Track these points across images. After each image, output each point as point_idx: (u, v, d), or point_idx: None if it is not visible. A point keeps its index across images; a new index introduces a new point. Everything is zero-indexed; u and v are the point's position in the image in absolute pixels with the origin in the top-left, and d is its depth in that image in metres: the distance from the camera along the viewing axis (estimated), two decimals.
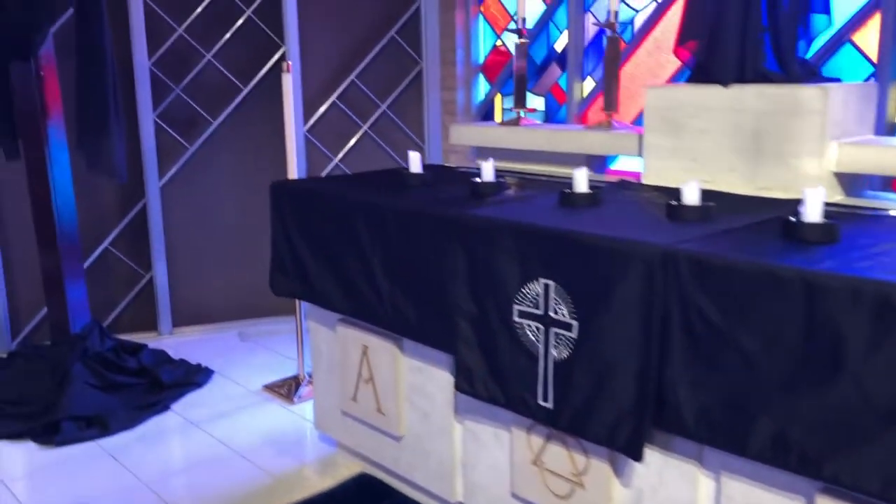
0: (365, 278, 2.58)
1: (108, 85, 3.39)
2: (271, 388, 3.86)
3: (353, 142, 4.85)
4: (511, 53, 4.65)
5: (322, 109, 4.74)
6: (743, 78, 2.48)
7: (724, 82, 2.49)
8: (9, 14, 3.25)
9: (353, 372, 2.85)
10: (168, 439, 3.43)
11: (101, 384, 3.67)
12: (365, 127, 4.85)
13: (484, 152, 3.39)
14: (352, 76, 4.76)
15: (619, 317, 1.87)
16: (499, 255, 2.14)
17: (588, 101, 4.24)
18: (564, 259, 2.00)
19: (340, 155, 4.83)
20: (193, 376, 3.92)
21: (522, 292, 2.09)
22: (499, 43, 4.71)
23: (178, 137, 4.53)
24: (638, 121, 3.71)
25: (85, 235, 4.16)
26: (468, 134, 3.46)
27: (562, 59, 4.34)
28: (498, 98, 4.76)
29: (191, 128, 4.55)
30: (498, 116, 4.76)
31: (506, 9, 4.64)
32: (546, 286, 2.04)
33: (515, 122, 3.30)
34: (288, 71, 3.51)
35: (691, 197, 2.11)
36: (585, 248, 1.94)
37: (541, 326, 2.06)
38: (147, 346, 4.09)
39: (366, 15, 4.74)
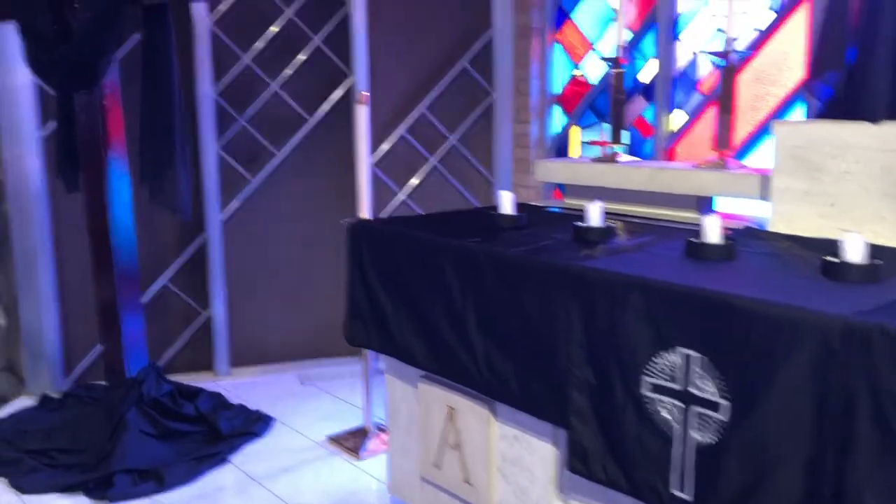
0: (455, 333, 2.31)
1: (175, 116, 3.20)
2: (336, 440, 3.59)
3: (420, 176, 4.61)
4: (590, 83, 4.39)
5: (390, 142, 4.51)
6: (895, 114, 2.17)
7: (874, 119, 2.18)
8: (75, 42, 3.08)
9: (437, 435, 2.56)
10: (226, 497, 3.18)
11: (156, 432, 3.45)
12: (433, 160, 4.61)
13: (574, 191, 3.11)
14: (421, 107, 4.53)
15: (785, 399, 1.56)
16: (625, 317, 1.84)
17: (677, 135, 3.95)
18: (711, 326, 1.70)
19: (407, 189, 4.59)
20: (253, 425, 3.68)
21: (655, 362, 1.79)
22: (577, 72, 4.45)
23: (241, 170, 4.33)
24: (739, 156, 3.40)
25: (142, 270, 3.97)
26: (556, 170, 3.18)
27: (648, 89, 4.05)
28: (575, 131, 4.48)
29: (254, 160, 4.36)
30: (575, 150, 4.49)
31: (585, 37, 4.38)
32: (686, 357, 1.74)
33: (611, 158, 3.02)
34: (363, 102, 3.28)
35: (855, 253, 1.80)
36: (740, 315, 1.63)
37: (678, 404, 1.76)
38: (204, 390, 3.86)
39: (437, 44, 4.52)
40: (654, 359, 1.80)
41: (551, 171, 3.21)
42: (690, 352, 1.73)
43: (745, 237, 2.28)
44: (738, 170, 2.67)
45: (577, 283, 1.95)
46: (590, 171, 3.03)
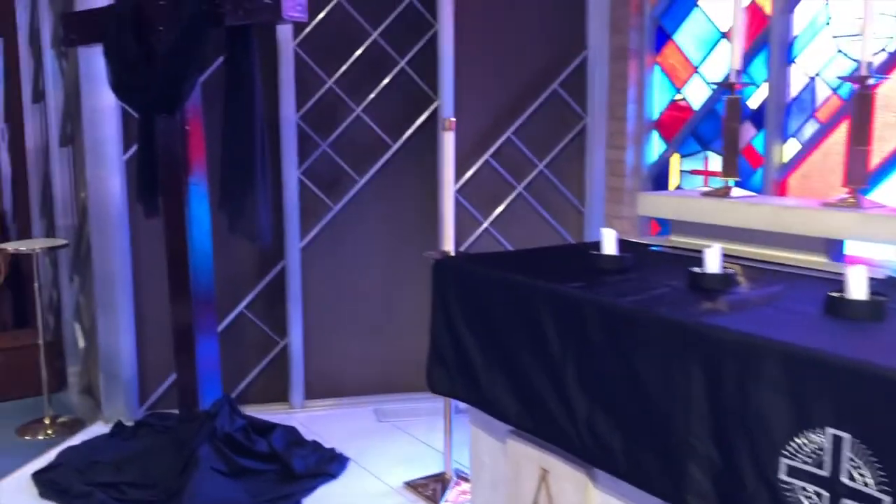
0: (552, 389, 2.07)
1: (257, 141, 3.07)
2: (414, 486, 3.38)
3: (505, 204, 4.39)
4: (692, 109, 4.10)
5: (474, 168, 4.31)
6: None
7: None
8: (159, 65, 2.99)
9: (527, 498, 2.32)
10: None
11: (228, 469, 3.31)
12: (520, 188, 4.38)
13: (681, 227, 2.83)
14: (508, 132, 4.32)
15: None
16: (760, 388, 1.57)
17: (789, 166, 3.62)
18: (867, 404, 1.41)
19: (491, 218, 4.37)
20: (327, 465, 3.50)
21: (796, 443, 1.52)
22: (678, 97, 4.16)
23: (322, 196, 4.20)
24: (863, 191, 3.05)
25: (219, 297, 3.86)
26: (662, 205, 2.91)
27: (757, 116, 3.74)
28: (675, 159, 4.19)
29: (335, 186, 4.22)
30: (674, 180, 4.19)
31: (688, 59, 4.09)
32: (836, 440, 1.46)
33: (724, 192, 2.73)
34: (450, 128, 3.09)
35: None
36: None
37: (824, 494, 1.47)
38: (278, 425, 3.71)
39: (526, 65, 4.31)
40: (795, 439, 1.52)
41: (656, 205, 2.94)
42: (842, 433, 1.45)
43: (890, 290, 1.97)
44: (875, 210, 2.35)
45: (701, 344, 1.69)
46: (700, 207, 2.74)
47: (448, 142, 3.09)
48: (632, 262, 2.31)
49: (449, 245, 3.17)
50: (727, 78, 2.75)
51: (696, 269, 2.09)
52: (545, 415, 2.09)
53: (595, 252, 2.37)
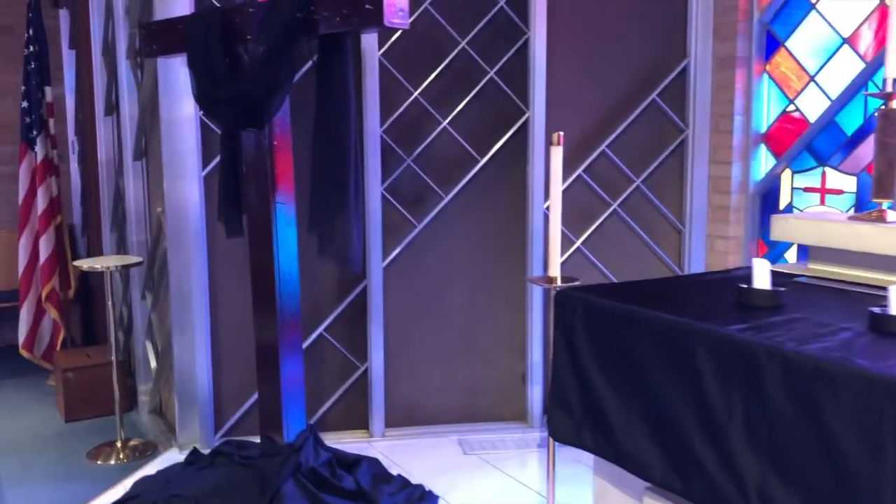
0: (712, 447, 1.79)
1: (351, 158, 2.86)
2: None
3: (598, 222, 4.11)
4: (807, 121, 3.77)
5: (566, 183, 4.05)
6: None
7: None
8: (247, 77, 2.80)
9: None
10: None
11: None
12: (615, 205, 4.10)
13: (822, 254, 2.53)
14: (603, 145, 4.05)
15: None
16: None
17: None
18: None
19: (584, 237, 4.10)
20: None
21: None
22: (791, 108, 3.84)
23: (406, 213, 3.98)
24: None
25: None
26: (800, 229, 2.60)
27: None
28: (787, 175, 3.87)
29: (419, 203, 4.00)
30: (786, 198, 3.87)
31: (803, 67, 3.77)
32: None
33: (878, 216, 2.42)
34: (557, 143, 2.84)
35: None
36: None
37: None
38: (364, 458, 3.48)
39: (623, 74, 4.03)
40: None
41: (793, 228, 2.63)
42: None
43: None
44: None
45: None
46: (849, 232, 2.44)
47: (556, 158, 2.84)
48: (790, 297, 2.03)
49: (554, 269, 2.90)
50: (883, 87, 2.44)
51: (878, 310, 1.80)
52: (701, 476, 1.82)
53: (745, 286, 2.09)
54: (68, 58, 6.13)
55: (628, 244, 4.15)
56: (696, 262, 4.14)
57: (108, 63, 5.03)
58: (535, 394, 4.09)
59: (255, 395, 3.91)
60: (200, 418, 3.90)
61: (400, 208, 3.97)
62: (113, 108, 5.16)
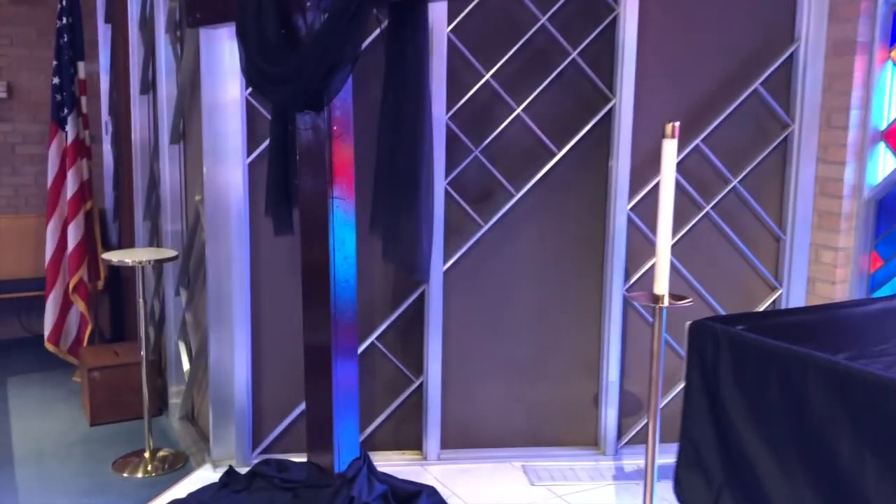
0: None
1: (424, 148, 2.43)
2: None
3: (689, 226, 3.64)
4: None
5: (653, 182, 3.58)
6: None
7: None
8: (307, 50, 2.38)
9: None
10: None
11: None
12: (707, 207, 3.63)
13: None
14: (697, 139, 3.57)
15: None
16: None
17: None
18: None
19: (671, 242, 3.63)
20: None
21: None
22: None
23: (471, 211, 3.54)
24: None
25: None
26: None
27: None
28: None
29: (485, 200, 3.55)
30: None
31: None
32: None
33: None
34: (671, 136, 2.38)
35: None
36: None
37: None
38: (423, 491, 3.07)
39: (721, 59, 3.55)
40: None
41: None
42: None
43: None
44: None
45: None
46: None
47: (669, 153, 2.38)
48: None
49: (662, 285, 2.45)
50: None
51: None
52: None
53: None
54: (104, 32, 5.76)
55: (719, 252, 3.67)
56: (798, 275, 3.65)
57: (146, 38, 4.65)
58: (610, 417, 3.65)
59: (298, 409, 3.53)
60: (237, 432, 3.51)
61: (464, 205, 3.53)
62: (149, 86, 4.78)
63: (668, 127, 2.38)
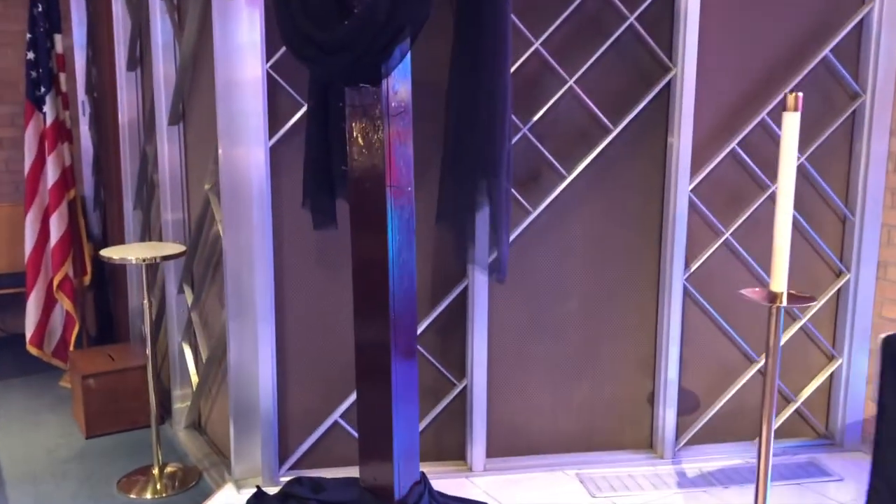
0: None
1: (500, 129, 2.08)
2: None
3: (752, 208, 3.34)
4: None
5: (717, 159, 3.27)
6: None
7: None
8: (361, 15, 1.99)
9: None
10: None
11: None
12: (773, 187, 3.33)
13: None
14: (762, 113, 3.26)
15: None
16: None
17: None
18: None
19: (734, 226, 3.33)
20: None
21: None
22: None
23: (518, 196, 3.18)
24: None
25: None
26: None
27: None
28: None
29: (533, 183, 3.20)
30: None
31: None
32: None
33: None
34: (794, 108, 2.05)
35: None
36: None
37: None
38: None
39: (786, 24, 3.24)
40: None
41: None
42: None
43: None
44: None
45: None
46: None
47: (791, 127, 2.06)
48: None
49: (779, 283, 2.13)
50: None
51: None
52: None
53: None
54: (77, 4, 5.27)
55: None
56: (868, 259, 3.38)
57: (132, 8, 4.19)
58: (668, 418, 3.35)
59: (331, 419, 3.19)
60: (263, 446, 3.15)
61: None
62: (137, 62, 4.33)
63: (791, 98, 2.06)
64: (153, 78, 3.73)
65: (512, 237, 3.18)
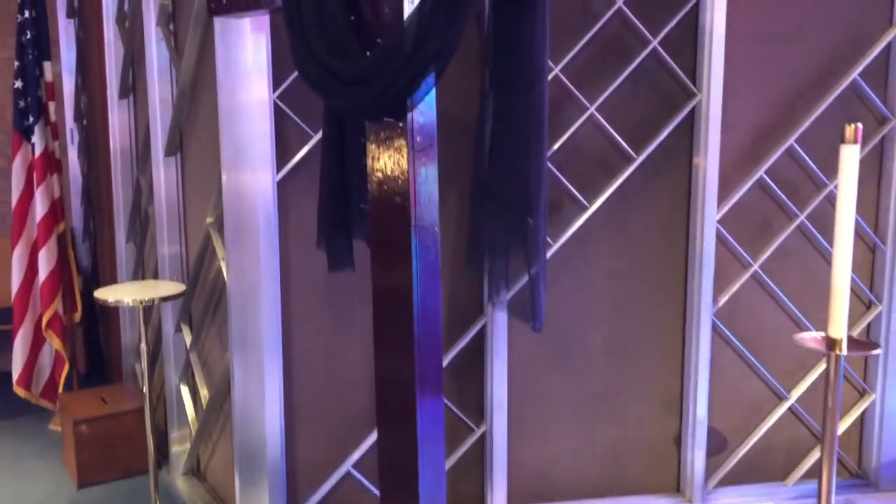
0: None
1: (541, 164, 1.92)
2: None
3: (780, 239, 3.20)
4: None
5: (745, 188, 3.13)
6: None
7: None
8: (386, 45, 1.83)
9: None
10: None
11: None
12: (802, 216, 3.20)
13: None
14: (790, 139, 3.13)
15: None
16: None
17: None
18: None
19: (763, 257, 3.19)
20: None
21: None
22: None
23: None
24: None
25: None
26: None
27: None
28: None
29: (554, 214, 3.05)
30: None
31: None
32: None
33: None
34: (853, 140, 1.91)
35: None
36: None
37: None
38: None
39: (814, 46, 3.12)
40: None
41: None
42: None
43: None
44: None
45: None
46: None
47: (851, 162, 1.91)
48: None
49: (838, 329, 1.98)
50: None
51: None
52: None
53: None
54: (66, 29, 5.11)
55: (811, 265, 3.25)
56: None
57: (125, 33, 4.04)
58: (697, 459, 3.19)
59: (343, 468, 3.00)
60: (271, 497, 2.95)
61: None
62: (129, 89, 4.17)
63: (849, 129, 1.92)
64: (148, 106, 3.56)
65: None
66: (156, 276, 3.76)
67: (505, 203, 1.96)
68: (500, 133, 1.93)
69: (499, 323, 2.97)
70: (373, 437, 2.92)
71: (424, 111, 2.06)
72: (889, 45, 3.15)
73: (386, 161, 2.11)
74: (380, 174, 2.13)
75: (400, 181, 2.09)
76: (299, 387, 2.97)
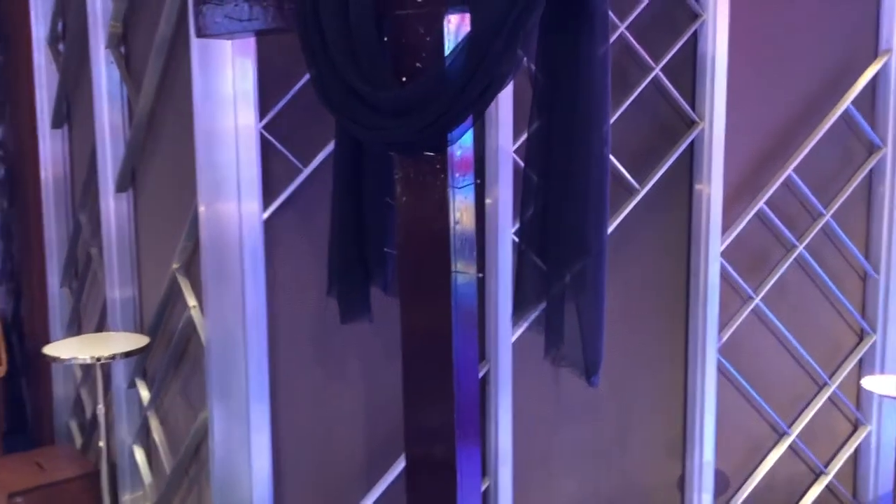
0: None
1: (602, 203, 1.74)
2: None
3: (782, 269, 3.12)
4: None
5: (747, 219, 3.04)
6: None
7: None
8: (442, 67, 1.61)
9: None
10: None
11: None
12: (801, 247, 3.13)
13: None
14: (789, 169, 3.06)
15: None
16: None
17: None
18: None
19: (765, 289, 3.10)
20: None
21: None
22: None
23: (540, 263, 2.83)
24: None
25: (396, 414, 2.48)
26: None
27: None
28: None
29: None
30: None
31: None
32: None
33: None
34: None
35: None
36: None
37: None
38: None
39: (809, 73, 3.08)
40: None
41: None
42: None
43: None
44: None
45: None
46: None
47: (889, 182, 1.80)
48: None
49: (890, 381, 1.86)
50: None
51: None
52: None
53: None
54: None
55: (808, 295, 3.19)
56: (894, 319, 3.22)
57: (60, 56, 3.66)
58: (704, 503, 3.05)
59: None
60: None
61: (534, 257, 2.82)
62: (64, 118, 3.78)
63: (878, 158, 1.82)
64: (95, 135, 3.20)
65: (538, 311, 2.82)
66: (101, 326, 3.37)
67: (566, 242, 1.76)
68: (560, 164, 1.73)
69: (503, 370, 2.75)
70: (372, 498, 2.65)
71: (463, 145, 1.85)
72: (877, 75, 3.15)
73: (419, 199, 1.88)
74: (411, 214, 1.90)
75: (436, 222, 1.86)
76: (287, 445, 2.66)
